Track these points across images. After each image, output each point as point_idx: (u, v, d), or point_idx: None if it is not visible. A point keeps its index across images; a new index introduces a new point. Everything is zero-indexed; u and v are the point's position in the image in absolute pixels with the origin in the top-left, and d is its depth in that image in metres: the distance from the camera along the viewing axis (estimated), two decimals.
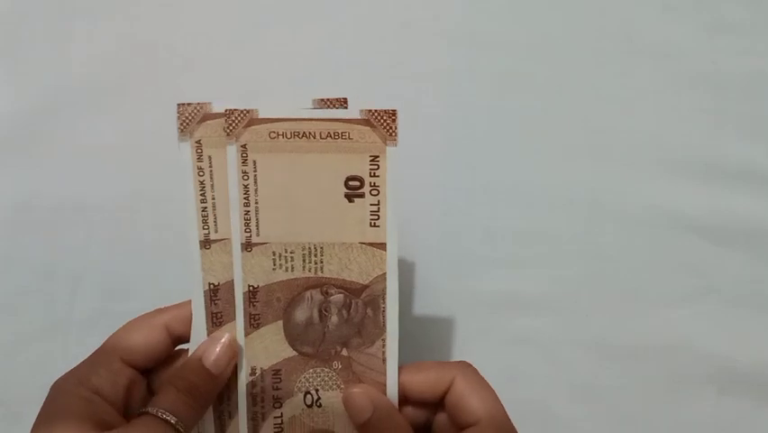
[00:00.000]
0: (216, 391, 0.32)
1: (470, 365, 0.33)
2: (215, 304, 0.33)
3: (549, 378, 0.43)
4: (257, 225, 0.32)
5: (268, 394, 0.33)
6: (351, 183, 0.32)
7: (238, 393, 0.33)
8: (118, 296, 0.44)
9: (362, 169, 0.32)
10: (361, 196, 0.32)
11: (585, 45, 0.48)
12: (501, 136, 0.46)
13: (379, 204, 0.32)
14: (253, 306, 0.33)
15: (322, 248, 0.33)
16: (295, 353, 0.33)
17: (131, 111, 0.47)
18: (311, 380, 0.33)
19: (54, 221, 0.45)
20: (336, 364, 0.33)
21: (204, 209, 0.32)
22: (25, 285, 0.45)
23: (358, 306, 0.33)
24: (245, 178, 0.32)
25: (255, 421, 0.33)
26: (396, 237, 0.33)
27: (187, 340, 0.33)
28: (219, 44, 0.48)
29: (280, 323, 0.33)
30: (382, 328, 0.33)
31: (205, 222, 0.32)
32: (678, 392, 0.43)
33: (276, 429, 0.33)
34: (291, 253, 0.33)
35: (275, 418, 0.33)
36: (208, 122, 0.32)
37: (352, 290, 0.33)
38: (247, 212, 0.32)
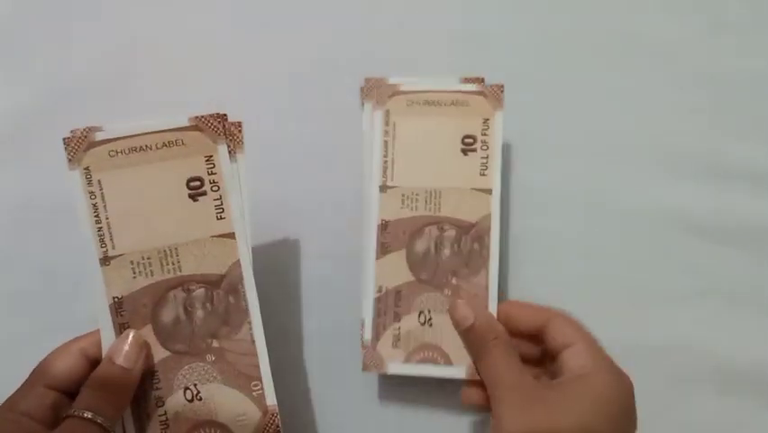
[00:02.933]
0: (131, 385, 0.34)
1: (564, 312, 0.37)
2: (121, 315, 0.35)
3: None
4: (111, 239, 0.35)
5: (149, 395, 0.35)
6: (192, 184, 0.35)
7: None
8: None
9: (200, 169, 0.35)
10: (204, 194, 0.35)
11: (585, 45, 0.48)
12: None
13: (221, 198, 0.35)
14: (121, 315, 0.35)
15: (177, 248, 0.35)
16: (168, 352, 0.35)
17: (131, 111, 0.47)
18: (188, 376, 0.35)
19: (54, 221, 0.45)
20: (210, 357, 0.35)
21: (99, 229, 0.34)
22: (25, 285, 0.45)
23: (220, 296, 0.35)
24: (93, 197, 0.34)
25: (141, 422, 0.35)
26: (242, 225, 0.35)
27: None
28: (219, 44, 0.48)
29: (150, 327, 0.35)
30: (246, 312, 0.36)
31: (102, 240, 0.35)
32: (678, 392, 0.43)
33: (162, 427, 0.35)
34: (149, 258, 0.35)
35: (159, 416, 0.35)
36: (94, 149, 0.35)
37: (211, 283, 0.35)
38: (99, 228, 0.35)
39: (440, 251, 0.40)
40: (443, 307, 0.40)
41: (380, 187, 0.40)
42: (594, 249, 0.45)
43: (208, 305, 0.35)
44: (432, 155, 0.41)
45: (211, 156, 0.35)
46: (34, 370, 0.35)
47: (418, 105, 0.41)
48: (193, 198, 0.35)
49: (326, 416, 0.43)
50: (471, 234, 0.40)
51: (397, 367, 0.39)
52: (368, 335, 0.40)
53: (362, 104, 0.42)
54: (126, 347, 0.34)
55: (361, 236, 0.40)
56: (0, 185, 0.46)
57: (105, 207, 0.35)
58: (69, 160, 0.35)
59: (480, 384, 0.36)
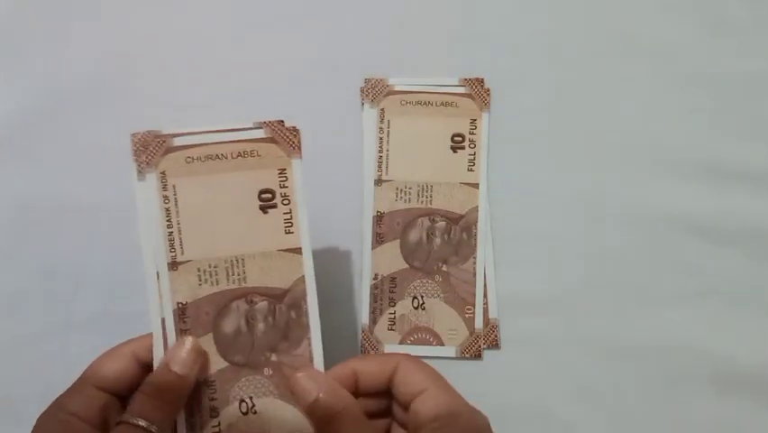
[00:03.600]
0: (185, 392, 0.33)
1: (411, 355, 0.35)
2: (184, 322, 0.34)
3: (549, 378, 0.43)
4: (181, 245, 0.34)
5: (204, 405, 0.34)
6: (263, 196, 0.35)
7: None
8: (118, 296, 0.44)
9: (272, 181, 0.35)
10: (274, 206, 0.35)
11: (585, 45, 0.48)
12: (501, 136, 0.46)
13: (291, 212, 0.35)
14: (183, 322, 0.34)
15: (243, 259, 0.35)
16: (227, 363, 0.35)
17: (131, 111, 0.47)
18: (244, 388, 0.35)
19: (54, 221, 0.45)
20: (267, 371, 0.35)
21: (170, 234, 0.34)
22: (25, 285, 0.45)
23: (282, 310, 0.35)
24: (166, 201, 0.34)
25: (194, 431, 0.34)
26: (309, 241, 0.35)
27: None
28: (219, 44, 0.48)
29: (210, 336, 0.35)
30: (306, 328, 0.35)
31: (171, 245, 0.34)
32: (677, 392, 0.43)
33: None
34: (215, 267, 0.35)
35: (212, 427, 0.34)
36: (171, 154, 0.34)
37: (274, 296, 0.35)
38: (170, 233, 0.34)
39: (431, 240, 0.44)
40: (435, 292, 0.43)
41: (376, 180, 0.44)
42: (594, 249, 0.45)
43: (270, 318, 0.35)
44: (424, 152, 0.45)
45: (284, 169, 0.35)
46: (84, 371, 0.34)
47: (411, 104, 0.45)
48: (263, 209, 0.35)
49: None
50: (460, 225, 0.44)
51: (393, 349, 0.43)
52: (365, 319, 0.43)
53: (362, 103, 0.44)
54: (184, 354, 0.33)
55: (358, 229, 0.44)
56: (0, 185, 0.46)
57: (177, 212, 0.34)
58: (147, 163, 0.34)
59: None
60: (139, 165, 0.34)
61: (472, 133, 0.45)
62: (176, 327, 0.34)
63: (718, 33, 0.48)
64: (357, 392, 0.34)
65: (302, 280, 0.35)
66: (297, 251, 0.35)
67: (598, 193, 0.46)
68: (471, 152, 0.45)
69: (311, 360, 0.35)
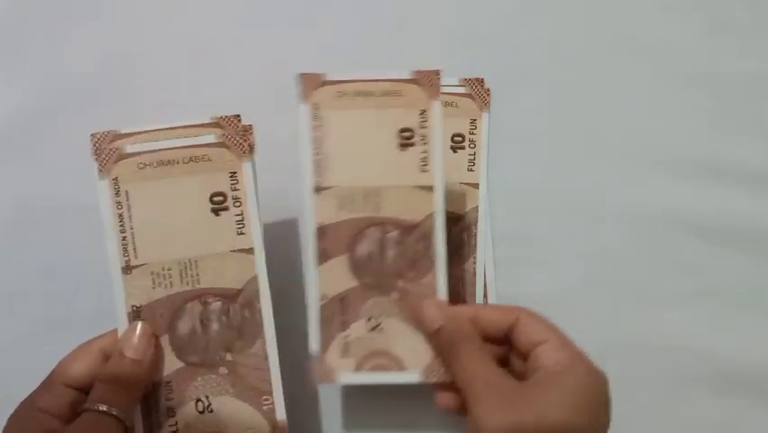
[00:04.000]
0: (143, 376, 0.35)
1: (531, 309, 0.36)
2: (323, 241, 0.36)
3: None
4: (134, 249, 0.35)
5: (161, 405, 0.35)
6: (215, 199, 0.36)
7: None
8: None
9: (224, 185, 0.36)
10: (226, 209, 0.36)
11: (585, 45, 0.48)
12: (501, 136, 0.46)
13: (242, 214, 0.36)
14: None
15: (197, 261, 0.36)
16: (183, 364, 0.36)
17: (131, 111, 0.47)
18: (201, 387, 0.36)
19: (54, 221, 0.45)
20: (223, 370, 0.36)
21: (123, 238, 0.35)
22: (25, 285, 0.45)
23: (236, 310, 0.36)
24: (119, 207, 0.35)
25: (151, 431, 0.35)
26: (261, 241, 0.36)
27: None
28: (219, 44, 0.48)
29: (166, 337, 0.36)
30: (260, 327, 0.36)
31: (125, 250, 0.35)
32: (677, 392, 0.43)
33: None
34: (169, 270, 0.35)
35: (169, 426, 0.35)
36: (124, 161, 0.35)
37: (228, 297, 0.36)
38: (124, 237, 0.35)
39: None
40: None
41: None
42: (594, 249, 0.45)
43: (224, 318, 0.36)
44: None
45: (235, 172, 0.36)
46: (54, 369, 0.35)
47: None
48: (215, 212, 0.36)
49: (329, 416, 0.43)
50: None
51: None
52: (315, 345, 0.37)
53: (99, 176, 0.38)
54: (135, 340, 0.35)
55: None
56: (0, 185, 0.46)
57: (130, 217, 0.35)
58: (100, 170, 0.35)
59: (453, 387, 0.35)
60: (99, 165, 0.35)
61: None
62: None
63: (718, 33, 0.48)
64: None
65: (255, 279, 0.36)
66: (250, 251, 0.36)
67: (598, 193, 0.46)
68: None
69: (266, 359, 0.36)
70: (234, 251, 0.36)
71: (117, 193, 0.35)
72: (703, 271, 0.45)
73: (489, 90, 0.46)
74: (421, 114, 0.37)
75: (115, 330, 0.36)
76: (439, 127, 0.37)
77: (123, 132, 0.36)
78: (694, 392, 0.43)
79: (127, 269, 0.35)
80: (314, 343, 0.37)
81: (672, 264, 0.45)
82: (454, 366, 0.34)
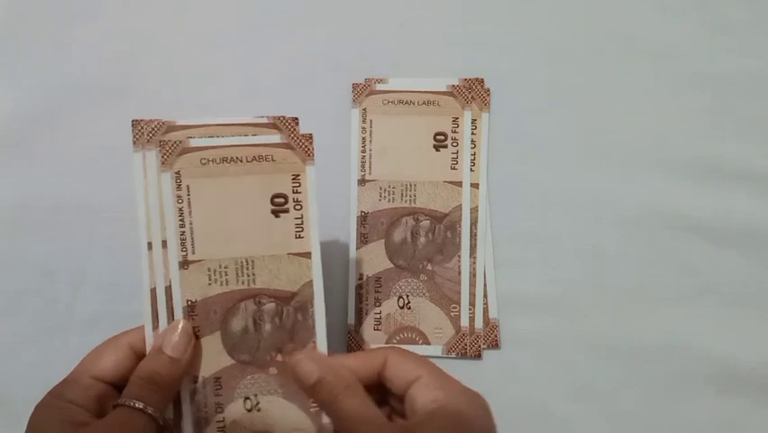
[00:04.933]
0: (179, 375, 0.34)
1: (397, 346, 0.36)
2: (193, 319, 0.35)
3: (549, 378, 0.43)
4: (192, 244, 0.35)
5: (210, 400, 0.35)
6: (276, 200, 0.36)
7: (182, 400, 0.35)
8: (118, 296, 0.44)
9: (286, 187, 0.36)
10: (286, 211, 0.36)
11: (585, 45, 0.48)
12: (501, 136, 0.46)
13: (302, 217, 0.36)
14: (192, 319, 0.35)
15: (253, 261, 0.36)
16: (233, 361, 0.35)
17: (131, 111, 0.47)
18: (250, 386, 0.36)
19: (54, 221, 0.45)
20: (272, 370, 0.36)
21: (182, 233, 0.35)
22: (25, 285, 0.45)
23: (289, 312, 0.36)
24: (180, 201, 0.35)
25: (199, 426, 0.35)
26: (318, 246, 0.36)
27: None
28: (219, 44, 0.48)
29: (218, 334, 0.35)
30: (312, 331, 0.36)
31: (183, 244, 0.35)
32: (677, 392, 0.43)
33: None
34: (225, 267, 0.35)
35: (218, 422, 0.35)
36: (187, 155, 0.35)
37: (282, 298, 0.36)
38: (183, 232, 0.35)
39: (416, 239, 0.44)
40: (421, 291, 0.44)
41: (359, 180, 0.44)
42: (594, 249, 0.45)
43: (277, 320, 0.36)
44: (406, 151, 0.45)
45: (298, 175, 0.36)
46: (81, 362, 0.35)
47: (393, 104, 0.45)
48: (275, 213, 0.36)
49: None
50: (444, 224, 0.44)
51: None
52: (351, 319, 0.43)
53: (353, 100, 0.45)
54: (176, 338, 0.34)
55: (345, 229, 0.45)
56: (0, 185, 0.46)
57: (190, 212, 0.35)
58: (162, 162, 0.35)
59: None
60: (162, 157, 0.35)
61: (455, 132, 0.45)
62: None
63: (718, 33, 0.48)
64: None
65: (310, 284, 0.36)
66: (307, 255, 0.36)
67: (598, 193, 0.46)
68: (454, 150, 0.45)
69: None
70: (292, 254, 0.36)
71: (179, 187, 0.35)
72: (703, 271, 0.45)
73: (489, 90, 0.46)
74: (454, 121, 0.45)
75: (142, 327, 0.35)
76: (469, 131, 0.45)
77: (173, 122, 0.35)
78: (694, 392, 0.43)
79: (184, 264, 0.35)
80: (350, 317, 0.43)
81: (672, 264, 0.45)
82: (338, 417, 0.33)
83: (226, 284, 0.35)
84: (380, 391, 0.35)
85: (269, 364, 0.36)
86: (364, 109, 0.45)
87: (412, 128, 0.45)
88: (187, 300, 0.35)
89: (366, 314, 0.44)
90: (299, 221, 0.36)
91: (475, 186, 0.45)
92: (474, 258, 0.44)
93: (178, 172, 0.35)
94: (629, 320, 0.44)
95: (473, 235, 0.44)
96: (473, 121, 0.46)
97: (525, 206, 0.46)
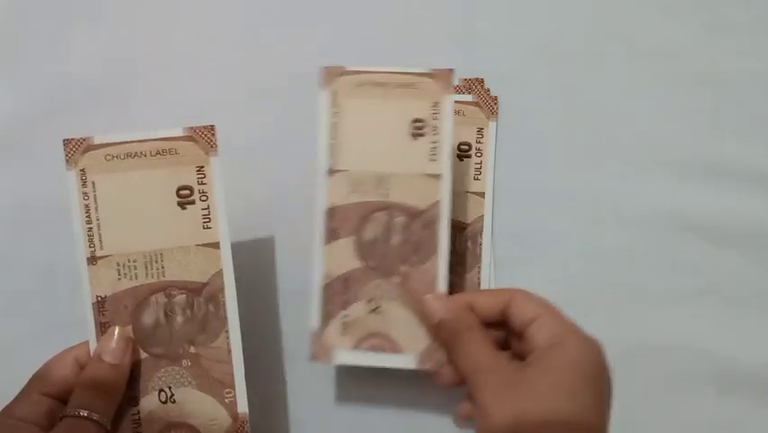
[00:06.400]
0: (122, 380, 0.35)
1: (523, 289, 0.36)
2: (103, 315, 0.36)
3: None
4: (100, 240, 0.36)
5: (124, 394, 0.36)
6: (182, 192, 0.36)
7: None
8: None
9: (191, 179, 0.36)
10: (192, 203, 0.36)
11: (585, 45, 0.48)
12: (501, 136, 0.46)
13: (208, 208, 0.36)
14: (102, 315, 0.36)
15: (162, 254, 0.36)
16: (146, 354, 0.36)
17: (131, 111, 0.47)
18: (164, 378, 0.36)
19: (54, 221, 0.45)
20: (186, 362, 0.36)
21: (89, 229, 0.36)
22: (25, 285, 0.45)
23: (200, 303, 0.36)
24: (86, 198, 0.36)
25: (114, 419, 0.35)
26: (227, 236, 0.36)
27: None
28: (219, 44, 0.48)
29: (130, 328, 0.36)
30: (224, 321, 0.36)
31: (91, 240, 0.36)
32: (677, 392, 0.43)
33: (134, 426, 0.36)
34: (134, 261, 0.36)
35: (132, 415, 0.36)
36: (91, 152, 0.36)
37: (193, 290, 0.36)
38: (90, 228, 0.36)
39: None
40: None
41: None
42: (594, 249, 0.45)
43: (188, 311, 0.36)
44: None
45: (203, 167, 0.36)
46: (30, 379, 0.36)
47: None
48: (182, 205, 0.36)
49: (297, 414, 0.43)
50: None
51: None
52: (315, 323, 0.39)
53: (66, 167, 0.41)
54: (113, 344, 0.35)
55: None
56: (0, 185, 0.46)
57: (96, 208, 0.36)
58: (67, 160, 0.36)
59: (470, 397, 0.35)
60: (66, 163, 0.36)
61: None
62: (95, 319, 0.36)
63: (718, 34, 0.48)
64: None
65: (220, 274, 0.36)
66: (215, 245, 0.36)
67: (599, 193, 0.46)
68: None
69: (229, 352, 0.36)
70: (200, 245, 0.36)
71: (84, 184, 0.36)
72: (703, 271, 0.45)
73: (496, 98, 0.46)
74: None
75: (86, 342, 0.36)
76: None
77: (97, 141, 0.36)
78: (695, 392, 0.43)
79: (92, 259, 0.36)
80: (314, 320, 0.38)
81: (673, 264, 0.45)
82: (457, 357, 0.35)
83: (135, 278, 0.36)
84: (505, 330, 0.36)
85: (182, 357, 0.36)
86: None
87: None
88: (97, 296, 0.36)
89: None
90: (206, 212, 0.36)
91: (482, 195, 0.45)
92: (479, 268, 0.44)
93: (82, 169, 0.36)
94: (629, 320, 0.44)
95: (478, 245, 0.44)
96: (479, 129, 0.45)
97: (524, 205, 0.45)
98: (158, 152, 0.36)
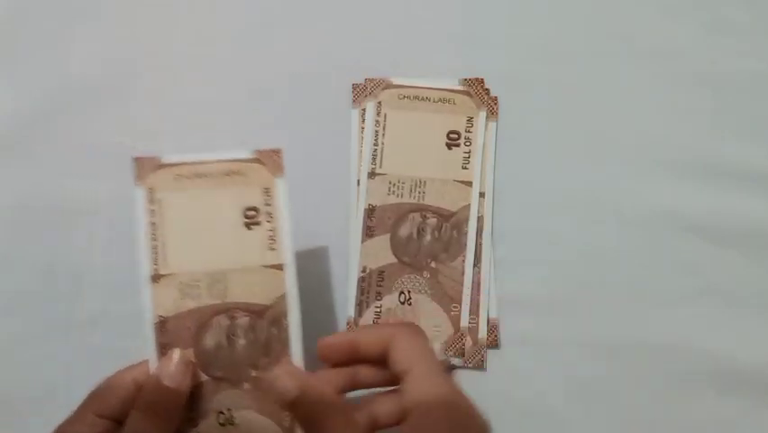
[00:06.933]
0: (179, 404, 0.34)
1: (413, 324, 0.36)
2: (164, 335, 0.35)
3: (549, 378, 0.43)
4: (165, 258, 0.35)
5: (183, 416, 0.35)
6: (248, 213, 0.36)
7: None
8: (118, 296, 0.44)
9: (257, 200, 0.36)
10: (258, 224, 0.36)
11: (585, 45, 0.48)
12: (501, 136, 0.46)
13: (274, 230, 0.36)
14: (164, 335, 0.35)
15: (226, 274, 0.36)
16: (207, 377, 0.35)
17: (131, 111, 0.47)
18: (224, 400, 0.35)
19: (54, 221, 0.45)
20: (247, 385, 0.35)
21: (154, 247, 0.35)
22: (25, 285, 0.45)
23: (262, 326, 0.36)
24: (152, 215, 0.35)
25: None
26: (292, 258, 0.36)
27: None
28: (219, 44, 0.48)
29: (191, 351, 0.35)
30: (286, 345, 0.35)
31: (155, 258, 0.35)
32: (677, 392, 0.43)
33: None
34: (197, 281, 0.35)
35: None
36: (161, 171, 0.36)
37: (255, 312, 0.36)
38: (155, 246, 0.35)
39: (422, 236, 0.44)
40: (423, 288, 0.43)
41: (369, 173, 0.44)
42: (594, 249, 0.45)
43: (251, 334, 0.35)
44: (418, 147, 0.45)
45: (269, 188, 0.36)
46: (85, 399, 0.34)
47: (408, 99, 0.45)
48: (248, 226, 0.36)
49: None
50: (451, 223, 0.43)
51: None
52: (351, 311, 0.43)
53: (353, 100, 0.46)
54: (173, 367, 0.34)
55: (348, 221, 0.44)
56: (0, 185, 0.46)
57: (163, 226, 0.35)
58: (136, 178, 0.35)
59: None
60: (135, 180, 0.36)
61: (469, 131, 0.45)
62: (156, 340, 0.35)
63: (718, 33, 0.48)
64: (358, 359, 0.35)
65: (284, 297, 0.36)
66: (280, 267, 0.36)
67: (599, 193, 0.46)
68: (467, 149, 0.44)
69: None
70: (265, 266, 0.36)
71: (152, 201, 0.36)
72: (703, 271, 0.45)
73: (496, 98, 0.46)
74: (468, 120, 0.44)
75: (146, 362, 0.35)
76: (482, 132, 0.44)
77: (166, 161, 0.36)
78: (694, 392, 0.43)
79: (156, 278, 0.35)
80: (351, 309, 0.43)
81: (673, 264, 0.45)
82: None
83: (199, 298, 0.35)
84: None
85: (243, 380, 0.35)
86: (379, 102, 0.45)
87: (426, 125, 0.45)
88: (159, 316, 0.35)
89: (366, 307, 0.43)
90: (271, 233, 0.36)
91: (469, 184, 0.45)
92: (463, 257, 0.44)
93: (151, 188, 0.36)
94: (629, 320, 0.44)
95: (464, 234, 0.44)
96: (469, 118, 0.46)
97: (524, 205, 0.45)
98: (226, 173, 0.36)
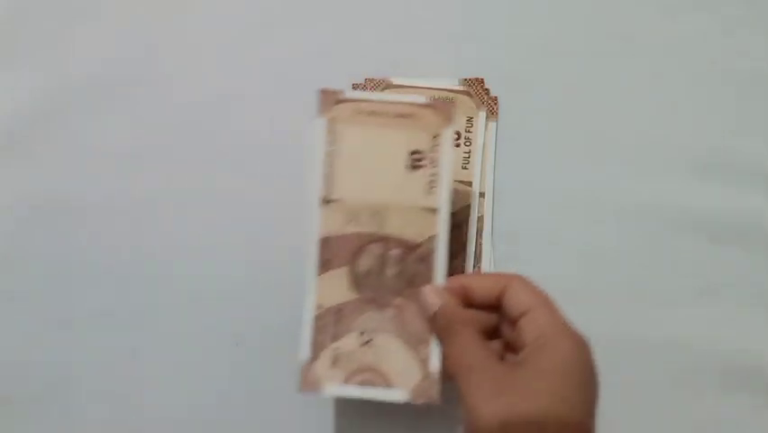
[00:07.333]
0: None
1: (523, 276, 0.37)
2: (325, 252, 0.38)
3: None
4: (334, 185, 0.38)
5: (329, 329, 0.38)
6: (414, 155, 0.38)
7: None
8: (120, 296, 0.44)
9: (425, 144, 0.38)
10: (422, 167, 0.38)
11: (585, 45, 0.48)
12: (501, 136, 0.46)
13: (435, 175, 0.38)
14: (325, 252, 0.38)
15: (386, 209, 0.38)
16: (355, 296, 0.38)
17: (131, 111, 0.47)
18: (367, 321, 0.38)
19: (54, 221, 0.45)
20: (390, 311, 0.38)
21: (328, 174, 0.38)
22: (26, 285, 0.45)
23: (412, 261, 0.38)
24: (329, 145, 0.38)
25: (315, 347, 0.38)
26: (447, 204, 0.38)
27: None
28: (219, 44, 0.48)
29: (346, 269, 0.38)
30: (429, 282, 0.38)
31: (327, 183, 0.38)
32: (678, 392, 0.43)
33: (332, 360, 0.38)
34: (360, 210, 0.38)
35: (333, 349, 0.38)
36: (342, 104, 0.39)
37: (408, 247, 0.38)
38: (328, 173, 0.38)
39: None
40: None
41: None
42: (594, 248, 0.45)
43: (400, 266, 0.38)
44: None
45: (437, 136, 0.38)
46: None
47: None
48: (412, 167, 0.38)
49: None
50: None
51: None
52: (305, 354, 0.38)
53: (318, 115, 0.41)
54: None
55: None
56: (0, 185, 0.46)
57: (337, 155, 0.38)
58: (320, 109, 0.38)
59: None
60: (319, 112, 0.39)
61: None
62: (319, 255, 0.38)
63: (719, 33, 0.48)
64: (470, 304, 0.37)
65: (434, 238, 0.38)
66: (434, 211, 0.38)
67: (599, 193, 0.46)
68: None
69: None
70: (422, 208, 0.38)
71: (330, 132, 0.38)
72: (703, 271, 0.45)
73: (496, 98, 0.46)
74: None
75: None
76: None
77: (348, 96, 0.39)
78: (695, 392, 0.43)
79: (325, 200, 0.38)
80: (304, 351, 0.38)
81: (675, 263, 0.45)
82: (448, 353, 0.35)
83: (359, 225, 0.38)
84: (498, 315, 0.37)
85: (387, 305, 0.38)
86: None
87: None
88: (324, 235, 0.38)
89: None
90: (432, 178, 0.38)
91: (468, 184, 0.45)
92: (463, 256, 0.44)
93: (332, 118, 0.38)
94: (629, 319, 0.44)
95: (478, 245, 0.44)
96: (469, 118, 0.46)
97: (524, 205, 0.46)
98: (399, 115, 0.38)
